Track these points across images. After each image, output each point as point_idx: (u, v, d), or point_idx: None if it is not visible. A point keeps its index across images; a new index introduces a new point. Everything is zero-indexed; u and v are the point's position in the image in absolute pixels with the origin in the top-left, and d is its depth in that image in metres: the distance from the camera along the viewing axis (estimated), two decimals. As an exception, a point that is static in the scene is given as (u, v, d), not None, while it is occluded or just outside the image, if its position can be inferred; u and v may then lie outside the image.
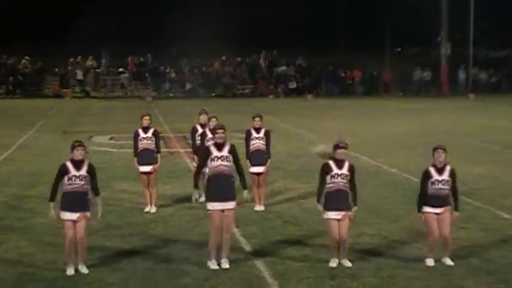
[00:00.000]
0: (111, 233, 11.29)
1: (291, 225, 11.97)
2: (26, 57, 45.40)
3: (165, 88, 46.26)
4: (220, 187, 9.44)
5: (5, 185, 15.43)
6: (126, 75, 46.56)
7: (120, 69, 47.14)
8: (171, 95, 45.35)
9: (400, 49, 57.15)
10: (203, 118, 13.63)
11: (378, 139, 23.75)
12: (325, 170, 9.54)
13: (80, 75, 46.06)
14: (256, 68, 48.42)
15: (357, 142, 22.99)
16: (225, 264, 9.46)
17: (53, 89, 44.99)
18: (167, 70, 46.80)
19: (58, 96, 43.33)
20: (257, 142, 13.10)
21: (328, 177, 9.51)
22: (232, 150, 9.61)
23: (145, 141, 13.08)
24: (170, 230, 11.44)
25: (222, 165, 9.48)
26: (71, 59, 46.49)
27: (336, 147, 9.56)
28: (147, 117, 13.18)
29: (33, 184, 15.54)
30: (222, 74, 47.33)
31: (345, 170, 9.51)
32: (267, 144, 13.18)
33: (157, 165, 13.11)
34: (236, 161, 9.67)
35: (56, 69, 46.14)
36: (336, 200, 9.50)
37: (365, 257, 10.06)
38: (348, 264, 9.56)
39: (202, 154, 9.99)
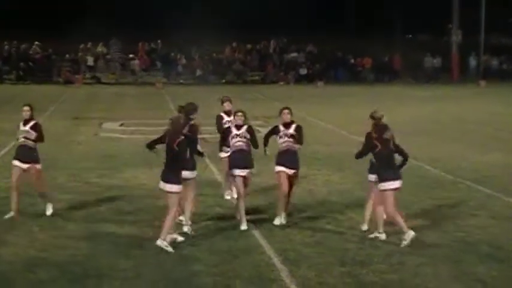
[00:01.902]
0: (122, 220, 11.32)
1: (301, 211, 11.97)
2: (36, 43, 45.47)
3: (178, 71, 46.23)
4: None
5: (17, 171, 15.46)
6: (137, 61, 46.62)
7: (131, 56, 47.17)
8: (182, 81, 45.36)
9: (410, 36, 56.87)
10: (228, 106, 12.60)
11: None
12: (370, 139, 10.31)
13: (90, 61, 46.13)
14: (267, 54, 48.35)
15: (368, 129, 22.93)
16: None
17: (64, 75, 45.08)
18: (178, 57, 46.80)
19: (68, 83, 43.43)
20: (286, 141, 11.04)
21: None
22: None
23: (23, 135, 11.40)
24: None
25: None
26: (82, 45, 46.53)
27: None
28: (26, 109, 11.58)
29: (44, 170, 15.42)
30: (232, 61, 47.28)
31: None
32: (299, 140, 11.13)
33: (38, 166, 11.43)
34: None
35: (67, 55, 46.22)
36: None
37: (374, 244, 10.07)
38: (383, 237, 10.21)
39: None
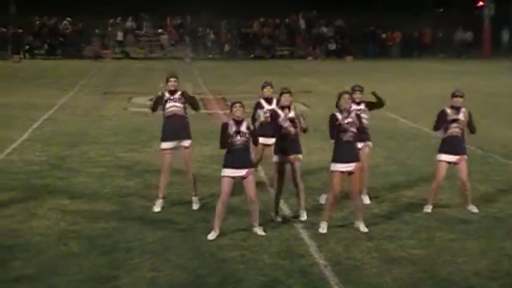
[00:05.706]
0: (151, 193, 11.40)
1: (329, 187, 11.92)
2: (68, 19, 45.75)
3: (207, 46, 46.20)
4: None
5: (48, 144, 15.68)
6: (165, 36, 46.67)
7: (160, 30, 47.24)
8: (210, 56, 45.35)
9: (442, 10, 56.05)
10: (268, 91, 11.46)
11: (418, 101, 23.49)
12: (443, 116, 10.45)
13: (119, 36, 46.32)
14: (295, 29, 48.08)
15: (397, 104, 22.78)
16: None
17: (93, 50, 45.33)
18: (206, 32, 46.76)
19: (98, 57, 43.67)
20: (349, 134, 9.48)
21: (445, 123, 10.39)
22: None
23: None
24: (210, 191, 11.47)
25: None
26: (111, 20, 46.70)
27: (452, 95, 10.39)
28: None
29: (75, 144, 15.77)
30: (260, 36, 47.12)
31: (461, 116, 10.33)
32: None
33: None
34: None
35: (96, 30, 46.43)
36: (451, 144, 10.34)
37: (403, 219, 10.05)
38: (475, 210, 10.34)
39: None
